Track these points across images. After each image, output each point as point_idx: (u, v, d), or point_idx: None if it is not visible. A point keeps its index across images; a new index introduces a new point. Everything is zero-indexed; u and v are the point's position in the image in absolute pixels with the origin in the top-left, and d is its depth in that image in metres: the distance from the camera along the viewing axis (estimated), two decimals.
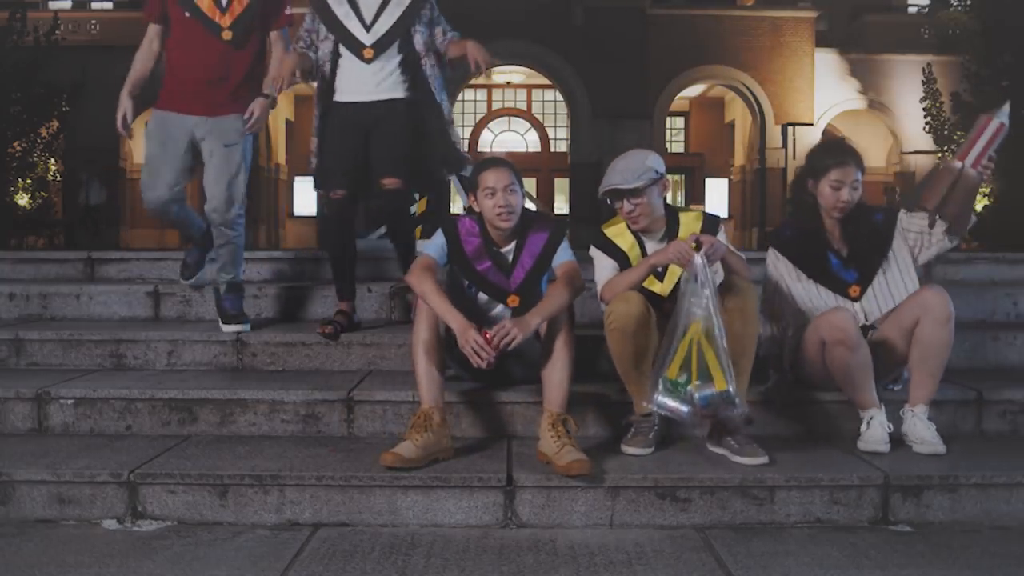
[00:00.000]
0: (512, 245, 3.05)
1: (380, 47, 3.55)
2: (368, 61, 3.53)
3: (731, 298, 2.75)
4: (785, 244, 3.10)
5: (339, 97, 3.59)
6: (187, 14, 3.51)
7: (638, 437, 2.65)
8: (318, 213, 3.83)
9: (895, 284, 2.99)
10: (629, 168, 2.92)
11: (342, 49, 3.57)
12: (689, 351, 2.62)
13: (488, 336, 2.71)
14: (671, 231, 2.99)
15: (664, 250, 2.82)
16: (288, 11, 3.69)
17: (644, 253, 2.98)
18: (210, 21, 3.51)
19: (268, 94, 3.55)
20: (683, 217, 3.04)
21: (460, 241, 3.05)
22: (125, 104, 3.58)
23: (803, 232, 3.07)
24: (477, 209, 3.03)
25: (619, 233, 3.04)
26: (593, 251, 3.07)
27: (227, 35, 3.52)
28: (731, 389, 2.60)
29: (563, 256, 3.03)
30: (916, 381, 2.84)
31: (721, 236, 2.97)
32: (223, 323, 3.58)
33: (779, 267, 3.10)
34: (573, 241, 3.06)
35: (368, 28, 3.55)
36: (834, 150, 3.05)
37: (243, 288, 3.76)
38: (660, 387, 2.65)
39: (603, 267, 3.03)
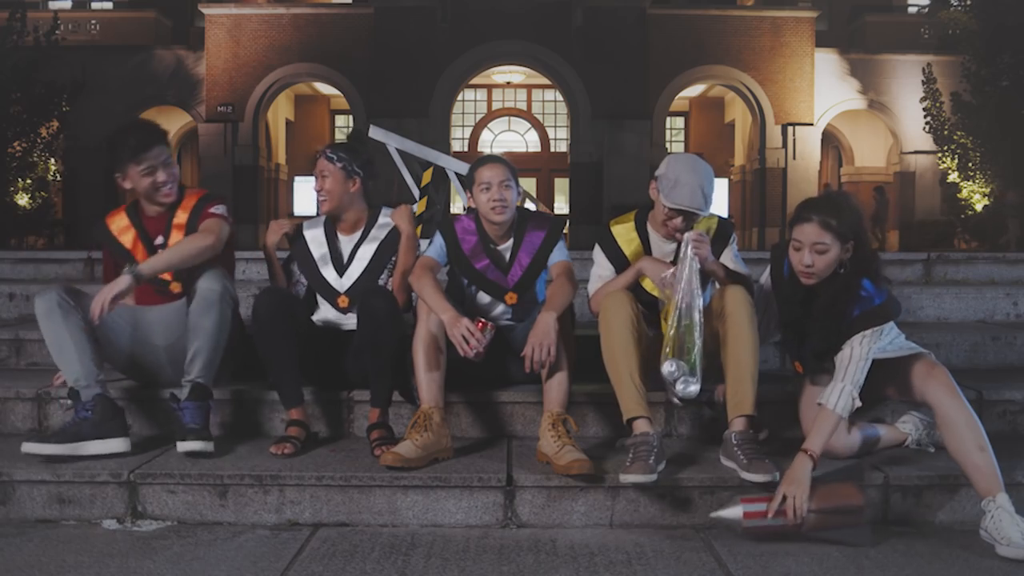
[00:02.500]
0: (509, 243, 3.07)
1: (354, 294, 3.10)
2: (343, 310, 3.13)
3: (722, 304, 2.74)
4: (777, 284, 2.79)
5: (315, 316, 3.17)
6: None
7: (637, 463, 2.48)
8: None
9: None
10: (705, 186, 2.77)
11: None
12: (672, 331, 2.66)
13: (481, 325, 2.74)
14: (683, 230, 2.92)
15: (641, 266, 2.87)
16: (215, 209, 3.07)
17: (648, 250, 2.98)
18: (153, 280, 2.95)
19: (135, 263, 2.85)
20: (700, 220, 2.95)
21: (458, 240, 3.07)
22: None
23: (793, 285, 2.68)
24: (473, 206, 3.06)
25: (626, 232, 3.01)
26: (596, 251, 3.05)
27: (176, 287, 3.02)
28: (672, 366, 2.61)
29: (559, 255, 3.05)
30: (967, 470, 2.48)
31: (732, 247, 2.97)
32: (179, 439, 2.75)
33: (766, 283, 2.91)
34: (572, 241, 3.06)
35: (342, 272, 3.16)
36: (804, 205, 2.62)
37: (211, 394, 2.88)
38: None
39: (597, 272, 3.02)
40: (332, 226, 3.24)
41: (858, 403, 2.51)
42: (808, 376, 2.79)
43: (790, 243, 2.63)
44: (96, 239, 3.14)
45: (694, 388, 2.64)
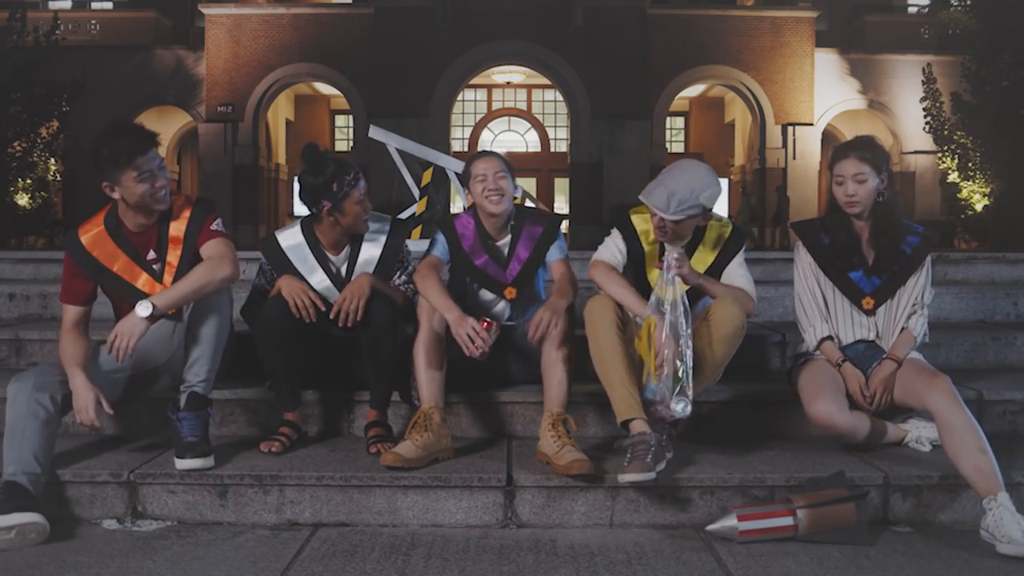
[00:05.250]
0: (507, 238, 3.08)
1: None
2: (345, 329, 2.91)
3: (709, 318, 2.76)
4: (815, 244, 2.98)
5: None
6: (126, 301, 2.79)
7: (635, 462, 2.49)
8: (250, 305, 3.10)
9: (904, 308, 2.91)
10: (679, 194, 2.74)
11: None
12: (646, 352, 2.64)
13: (486, 324, 2.74)
14: (696, 238, 2.94)
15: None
16: (215, 226, 2.84)
17: (663, 250, 2.95)
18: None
19: (148, 303, 2.63)
20: (713, 225, 2.96)
21: (457, 236, 3.07)
22: (82, 387, 2.63)
23: (834, 235, 2.94)
24: (471, 201, 3.07)
25: (644, 223, 2.98)
26: (614, 231, 3.03)
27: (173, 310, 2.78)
28: (652, 387, 2.58)
29: (557, 254, 3.06)
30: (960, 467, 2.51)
31: (740, 257, 2.95)
32: (177, 455, 2.65)
33: (802, 260, 3.00)
34: (572, 241, 3.05)
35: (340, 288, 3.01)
36: (841, 146, 2.96)
37: (210, 402, 2.78)
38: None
39: (610, 247, 2.99)
40: (315, 239, 3.06)
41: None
42: (876, 307, 2.92)
43: (832, 181, 2.92)
44: (69, 252, 2.80)
45: (687, 408, 2.59)
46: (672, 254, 2.72)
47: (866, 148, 2.89)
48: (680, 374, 2.59)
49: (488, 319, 2.78)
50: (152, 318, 2.63)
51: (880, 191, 2.87)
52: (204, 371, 2.75)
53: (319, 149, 2.99)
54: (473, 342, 2.70)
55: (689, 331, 2.63)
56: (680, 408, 2.58)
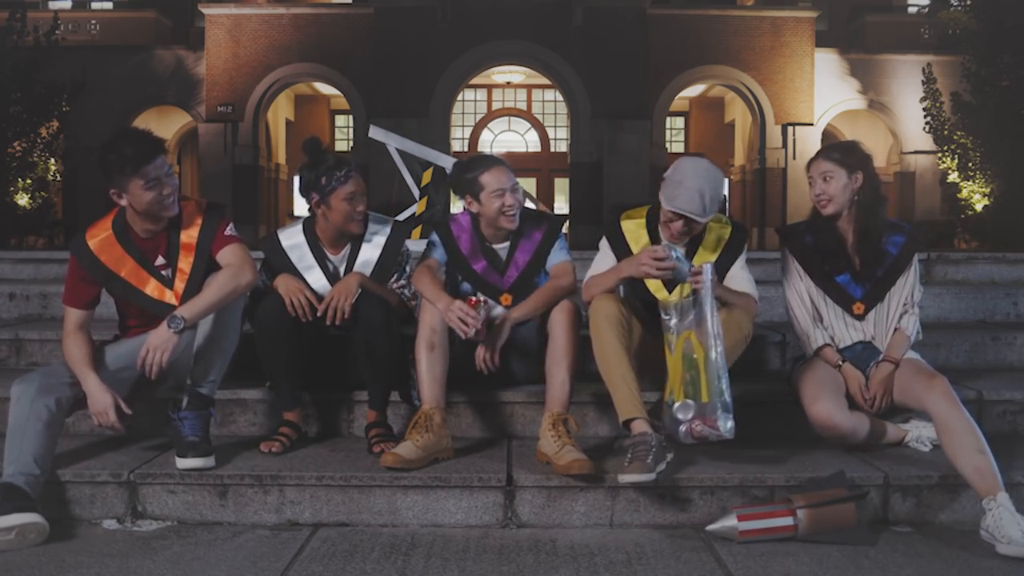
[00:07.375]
0: (506, 243, 3.07)
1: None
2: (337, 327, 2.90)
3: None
4: (800, 248, 2.99)
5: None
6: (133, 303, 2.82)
7: (636, 463, 2.48)
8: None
9: (895, 309, 2.91)
10: (709, 192, 2.71)
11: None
12: (682, 368, 2.57)
13: (474, 302, 2.76)
14: (696, 237, 2.91)
15: (621, 268, 2.78)
16: (228, 231, 2.83)
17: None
18: (159, 304, 2.76)
19: (179, 317, 2.63)
20: (712, 226, 2.93)
21: (454, 239, 3.07)
22: (99, 390, 2.65)
23: (819, 238, 2.95)
24: (474, 211, 3.03)
25: (635, 229, 2.96)
26: (603, 242, 3.03)
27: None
28: (681, 405, 2.52)
29: (557, 257, 3.05)
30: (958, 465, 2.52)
31: (742, 258, 2.93)
32: (178, 455, 2.66)
33: (789, 266, 3.01)
34: (572, 241, 3.05)
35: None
36: (816, 152, 3.01)
37: (212, 402, 2.79)
38: (665, 412, 2.62)
39: (599, 261, 2.99)
40: (315, 237, 3.07)
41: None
42: (866, 312, 2.91)
43: (810, 184, 2.95)
44: (76, 256, 2.76)
45: (731, 424, 2.52)
46: (710, 272, 2.60)
47: (835, 149, 2.94)
48: (718, 386, 2.51)
49: (474, 296, 2.81)
50: (181, 333, 2.63)
51: (855, 191, 2.87)
52: (213, 372, 2.76)
53: (320, 144, 3.01)
54: (466, 324, 2.72)
55: (720, 345, 2.53)
56: (729, 428, 2.50)
